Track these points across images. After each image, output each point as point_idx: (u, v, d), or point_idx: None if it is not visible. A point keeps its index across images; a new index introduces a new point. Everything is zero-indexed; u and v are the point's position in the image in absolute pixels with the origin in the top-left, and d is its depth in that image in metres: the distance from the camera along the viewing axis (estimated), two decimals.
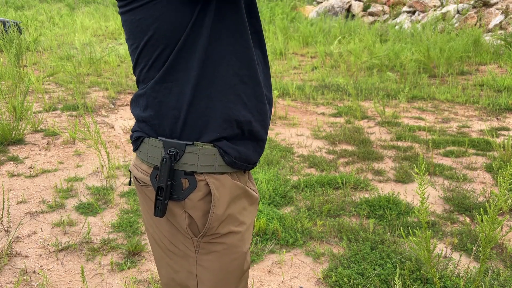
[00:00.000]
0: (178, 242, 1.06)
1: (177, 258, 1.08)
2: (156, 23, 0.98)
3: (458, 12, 11.19)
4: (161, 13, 0.97)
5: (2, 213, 2.96)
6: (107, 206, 3.21)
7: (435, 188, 3.46)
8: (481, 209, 1.86)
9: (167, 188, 1.00)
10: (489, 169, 3.81)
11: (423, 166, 1.74)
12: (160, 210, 1.00)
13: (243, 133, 1.07)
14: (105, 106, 5.79)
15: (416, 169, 1.79)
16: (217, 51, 1.00)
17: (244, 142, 1.08)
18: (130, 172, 1.15)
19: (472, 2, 11.02)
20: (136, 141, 1.09)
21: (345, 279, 2.30)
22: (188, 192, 1.03)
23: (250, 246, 1.21)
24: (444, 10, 11.50)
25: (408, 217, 2.97)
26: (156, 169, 1.04)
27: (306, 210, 3.08)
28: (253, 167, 1.13)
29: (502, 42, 8.68)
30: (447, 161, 4.04)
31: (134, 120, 5.08)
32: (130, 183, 1.20)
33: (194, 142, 1.02)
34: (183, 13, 0.97)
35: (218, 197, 1.04)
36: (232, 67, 1.02)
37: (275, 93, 6.05)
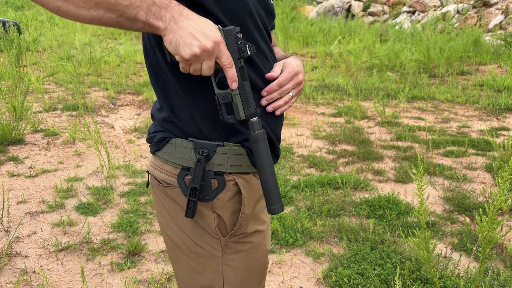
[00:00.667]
0: (204, 243, 1.06)
1: (202, 259, 1.07)
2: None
3: (458, 12, 11.19)
4: None
5: (2, 213, 2.96)
6: (107, 206, 3.21)
7: (435, 188, 3.46)
8: (480, 209, 1.86)
9: (200, 189, 1.00)
10: (489, 169, 3.81)
11: (421, 167, 1.74)
12: (192, 211, 1.01)
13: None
14: (105, 106, 5.79)
15: (414, 170, 1.79)
16: None
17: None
18: (148, 174, 1.14)
19: (472, 2, 11.02)
20: (161, 142, 1.07)
21: (345, 279, 2.30)
22: (218, 192, 1.03)
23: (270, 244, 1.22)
24: (444, 10, 11.50)
25: (408, 217, 2.97)
26: (184, 169, 1.03)
27: (306, 210, 3.08)
28: None
29: (502, 42, 8.68)
30: (447, 161, 4.05)
31: (132, 120, 5.04)
32: (148, 185, 1.16)
33: (224, 142, 1.03)
34: None
35: (247, 197, 1.06)
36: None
37: None
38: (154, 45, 1.03)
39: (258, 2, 1.06)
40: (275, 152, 1.13)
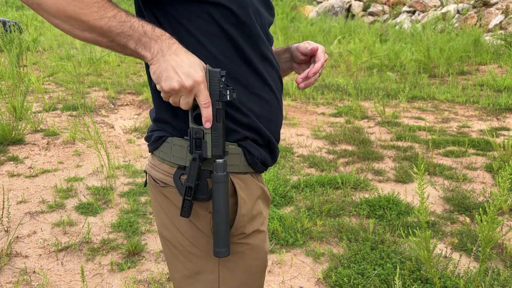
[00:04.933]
0: (200, 243, 1.05)
1: (198, 260, 1.07)
2: None
3: (458, 12, 11.19)
4: None
5: (2, 213, 2.95)
6: (107, 206, 3.21)
7: (435, 188, 3.46)
8: (481, 209, 1.86)
9: (195, 188, 1.00)
10: (489, 169, 3.81)
11: (422, 166, 1.74)
12: (187, 210, 1.00)
13: (263, 137, 1.08)
14: (105, 106, 5.79)
15: (415, 169, 1.79)
16: None
17: (264, 146, 1.10)
18: (146, 173, 1.13)
19: (472, 2, 11.02)
20: (157, 140, 1.07)
21: (345, 279, 2.30)
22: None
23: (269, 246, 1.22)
24: (444, 10, 11.50)
25: (408, 217, 2.97)
26: (180, 168, 1.03)
27: (306, 210, 3.08)
28: (266, 170, 1.15)
29: (502, 42, 8.68)
30: (447, 161, 4.04)
31: (132, 120, 5.04)
32: (145, 185, 1.16)
33: None
34: None
35: (243, 198, 1.05)
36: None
37: None
38: None
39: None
40: (273, 153, 1.13)
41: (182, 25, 0.99)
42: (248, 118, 1.04)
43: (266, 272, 2.46)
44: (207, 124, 0.96)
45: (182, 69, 0.91)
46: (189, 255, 1.07)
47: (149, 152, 1.13)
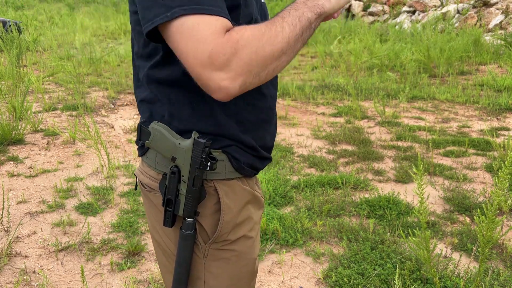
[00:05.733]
0: None
1: None
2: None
3: (458, 12, 11.18)
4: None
5: (2, 213, 2.95)
6: (107, 206, 3.21)
7: (435, 188, 3.46)
8: (479, 210, 1.86)
9: (176, 199, 0.99)
10: (489, 169, 3.81)
11: (421, 166, 1.74)
12: (169, 220, 1.01)
13: (246, 143, 1.05)
14: (105, 106, 5.79)
15: (415, 169, 1.79)
16: None
17: (251, 149, 1.07)
18: (136, 177, 1.13)
19: (472, 2, 11.01)
20: (143, 146, 1.06)
21: (345, 279, 2.30)
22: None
23: (258, 251, 1.19)
24: (444, 10, 11.49)
25: (408, 217, 2.97)
26: (165, 177, 1.02)
27: (306, 210, 3.07)
28: (257, 173, 1.12)
29: (502, 42, 8.67)
30: (447, 161, 4.04)
31: (132, 120, 5.05)
32: (136, 188, 1.16)
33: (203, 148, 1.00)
34: None
35: (228, 204, 1.02)
36: None
37: None
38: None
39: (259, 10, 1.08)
40: (261, 157, 1.10)
41: None
42: (223, 127, 1.01)
43: (266, 272, 2.46)
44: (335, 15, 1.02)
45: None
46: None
47: (138, 156, 1.13)
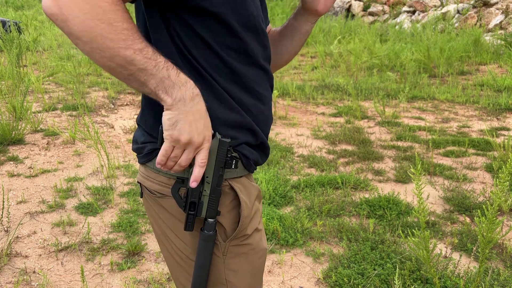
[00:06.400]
0: None
1: None
2: None
3: (458, 12, 11.18)
4: None
5: (2, 213, 2.96)
6: (107, 206, 3.21)
7: (435, 188, 3.46)
8: (479, 210, 1.86)
9: (199, 202, 1.00)
10: (489, 169, 3.81)
11: (419, 166, 1.74)
12: (191, 224, 1.01)
13: (257, 138, 1.09)
14: (105, 106, 5.79)
15: (413, 169, 1.79)
16: None
17: (257, 146, 1.10)
18: (140, 184, 1.11)
19: (472, 2, 11.01)
20: (151, 153, 1.04)
21: (345, 279, 2.30)
22: None
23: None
24: (444, 10, 11.49)
25: (408, 217, 2.97)
26: (178, 181, 1.01)
27: (306, 210, 3.08)
28: (256, 169, 1.16)
29: (502, 42, 8.67)
30: (447, 161, 4.04)
31: (132, 120, 5.02)
32: (142, 195, 1.13)
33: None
34: None
35: (245, 200, 1.05)
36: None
37: (275, 93, 6.05)
38: None
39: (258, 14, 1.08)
40: (265, 153, 1.14)
41: (191, 27, 0.97)
42: (244, 117, 1.04)
43: (266, 272, 2.46)
44: (193, 184, 0.96)
45: (198, 124, 0.90)
46: (193, 263, 1.06)
47: (140, 163, 1.10)
